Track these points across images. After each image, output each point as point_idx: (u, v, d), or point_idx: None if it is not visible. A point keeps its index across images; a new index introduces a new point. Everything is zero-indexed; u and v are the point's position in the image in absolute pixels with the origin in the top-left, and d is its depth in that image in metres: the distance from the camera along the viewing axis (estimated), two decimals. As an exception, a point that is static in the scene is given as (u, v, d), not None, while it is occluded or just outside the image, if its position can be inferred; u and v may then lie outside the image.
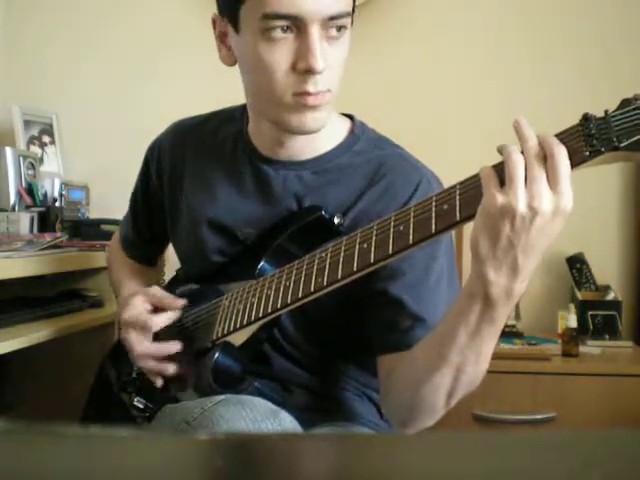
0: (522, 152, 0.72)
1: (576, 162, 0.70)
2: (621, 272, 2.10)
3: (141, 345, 1.00)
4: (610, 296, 1.98)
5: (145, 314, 1.02)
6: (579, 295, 1.98)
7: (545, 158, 0.70)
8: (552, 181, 0.69)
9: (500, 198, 0.70)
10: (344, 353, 1.06)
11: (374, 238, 0.81)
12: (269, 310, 0.91)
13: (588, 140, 0.69)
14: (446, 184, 0.82)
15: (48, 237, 1.65)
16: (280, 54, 0.88)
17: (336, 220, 0.95)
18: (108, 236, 1.77)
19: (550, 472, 0.28)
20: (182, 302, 1.03)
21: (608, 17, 2.09)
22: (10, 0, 2.30)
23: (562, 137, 0.71)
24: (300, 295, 0.87)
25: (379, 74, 2.16)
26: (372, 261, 0.80)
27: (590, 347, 1.89)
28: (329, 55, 0.88)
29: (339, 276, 0.83)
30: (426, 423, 0.90)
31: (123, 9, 2.28)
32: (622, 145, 0.68)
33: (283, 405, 0.92)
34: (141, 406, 1.05)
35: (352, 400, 1.06)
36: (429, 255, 0.94)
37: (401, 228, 0.78)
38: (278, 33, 0.87)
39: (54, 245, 1.62)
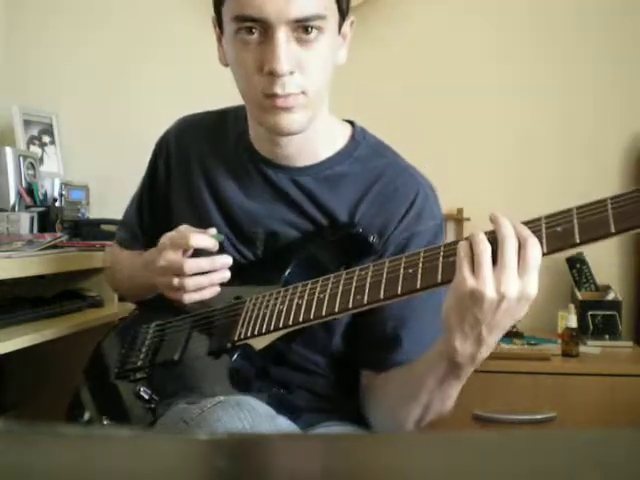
0: (495, 238, 0.77)
1: (635, 225, 0.72)
2: (621, 272, 2.10)
3: (190, 262, 0.95)
4: (610, 296, 1.98)
5: (187, 235, 0.96)
6: (579, 295, 1.98)
7: (519, 246, 0.75)
8: (521, 269, 0.75)
9: (470, 282, 0.76)
10: (344, 355, 1.05)
11: (421, 265, 0.83)
12: (300, 319, 0.91)
13: None
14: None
15: (48, 237, 1.65)
16: (249, 55, 0.89)
17: (371, 239, 0.97)
18: (108, 236, 1.77)
19: (550, 472, 0.28)
20: (214, 230, 1.00)
21: (620, 19, 2.10)
22: (10, 0, 2.30)
23: (619, 200, 0.73)
24: (337, 309, 0.88)
25: (383, 70, 2.17)
26: (418, 287, 0.82)
27: (590, 347, 1.89)
28: (301, 58, 0.89)
29: (381, 297, 0.84)
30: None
31: (123, 10, 2.28)
32: None
33: (283, 405, 0.92)
34: (146, 397, 1.03)
35: (352, 400, 1.06)
36: None
37: (450, 259, 0.81)
38: (247, 35, 0.89)
39: (54, 245, 1.62)
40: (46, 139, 2.20)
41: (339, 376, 1.06)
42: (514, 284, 0.75)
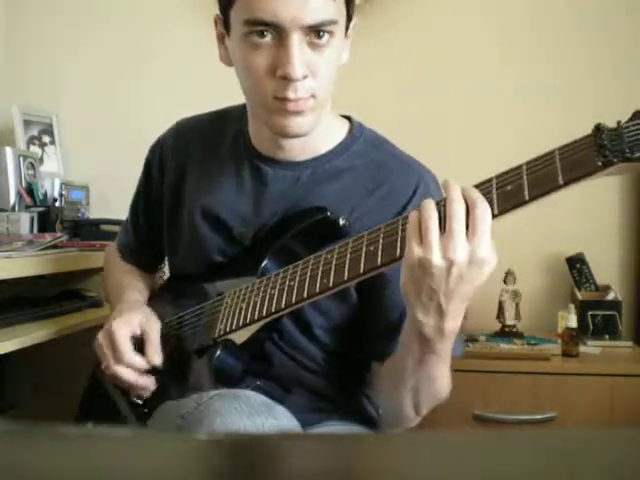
0: (444, 205, 0.75)
1: (588, 172, 0.70)
2: (621, 272, 2.10)
3: (112, 364, 1.00)
4: (610, 296, 1.98)
5: (127, 345, 1.00)
6: (579, 295, 1.98)
7: (468, 210, 0.74)
8: (470, 232, 0.73)
9: (417, 251, 0.75)
10: (343, 353, 1.05)
11: (381, 241, 0.82)
12: (272, 310, 0.91)
13: (600, 150, 0.69)
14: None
15: (48, 237, 1.64)
16: (261, 59, 0.89)
17: (341, 222, 0.96)
18: (108, 236, 1.77)
19: (550, 472, 0.28)
20: (158, 361, 1.00)
21: (621, 19, 2.10)
22: (10, 0, 2.30)
23: (574, 146, 0.71)
24: (305, 296, 0.88)
25: (388, 65, 2.17)
26: (379, 264, 0.81)
27: (590, 347, 1.89)
28: (313, 62, 0.89)
29: (345, 278, 0.84)
30: (407, 427, 0.98)
31: (123, 10, 2.28)
32: (634, 156, 0.68)
33: (283, 405, 0.92)
34: (140, 402, 1.04)
35: (352, 400, 1.06)
36: None
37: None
38: (259, 38, 0.88)
39: (54, 245, 1.62)
40: (46, 139, 2.21)
41: (339, 374, 1.06)
42: (462, 248, 0.73)
